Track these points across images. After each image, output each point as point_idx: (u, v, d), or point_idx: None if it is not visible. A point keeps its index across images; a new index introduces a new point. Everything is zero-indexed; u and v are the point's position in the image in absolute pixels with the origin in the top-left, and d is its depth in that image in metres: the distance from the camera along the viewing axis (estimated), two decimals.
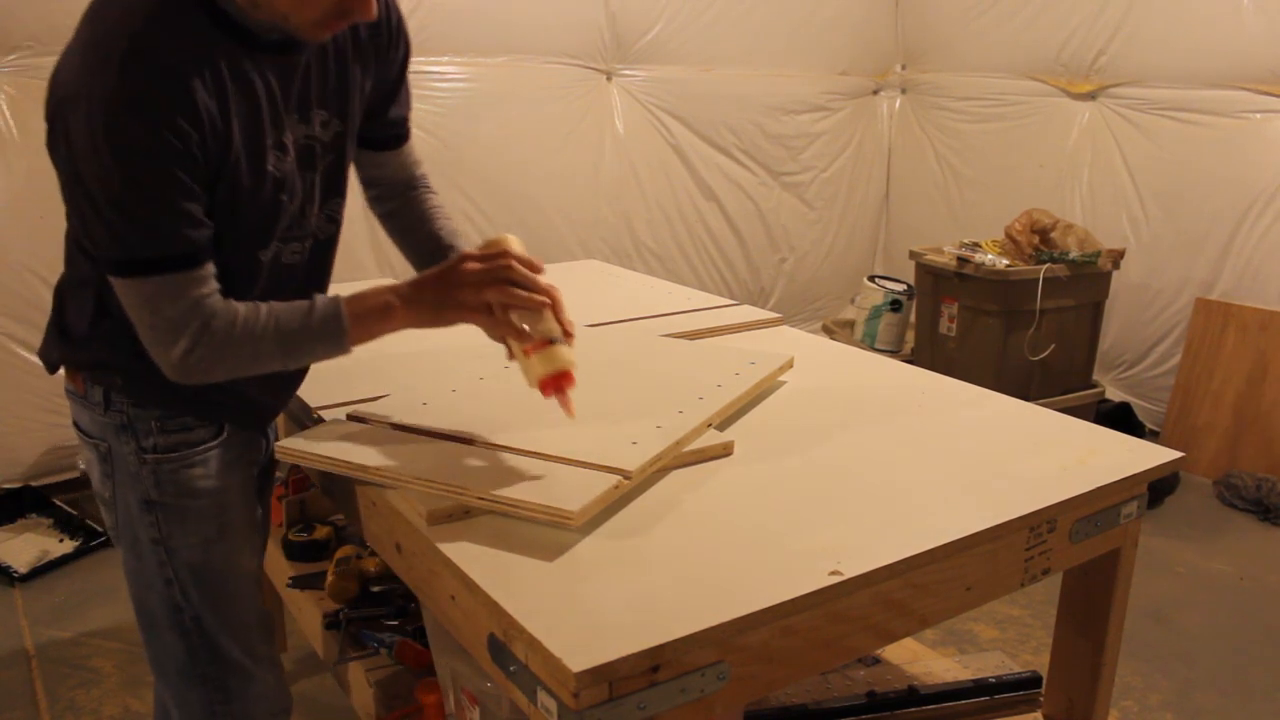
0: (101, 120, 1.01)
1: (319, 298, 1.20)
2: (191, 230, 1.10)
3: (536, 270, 1.19)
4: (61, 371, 1.32)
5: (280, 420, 1.65)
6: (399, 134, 1.44)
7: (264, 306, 1.17)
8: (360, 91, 1.30)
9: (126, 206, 1.05)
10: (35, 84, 2.89)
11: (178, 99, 1.05)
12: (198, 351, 1.12)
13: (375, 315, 1.20)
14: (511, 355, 1.25)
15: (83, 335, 1.25)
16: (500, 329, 1.20)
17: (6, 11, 2.85)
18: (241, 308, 1.16)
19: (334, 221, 1.34)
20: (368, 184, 1.47)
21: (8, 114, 2.90)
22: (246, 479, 1.37)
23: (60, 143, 1.06)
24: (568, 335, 1.21)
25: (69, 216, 1.18)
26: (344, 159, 1.31)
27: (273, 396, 1.37)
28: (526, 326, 1.19)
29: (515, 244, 1.23)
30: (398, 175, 1.47)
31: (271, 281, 1.25)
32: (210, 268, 1.14)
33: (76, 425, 1.33)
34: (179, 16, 1.06)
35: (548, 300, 1.19)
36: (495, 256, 1.19)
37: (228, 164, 1.12)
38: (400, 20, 1.34)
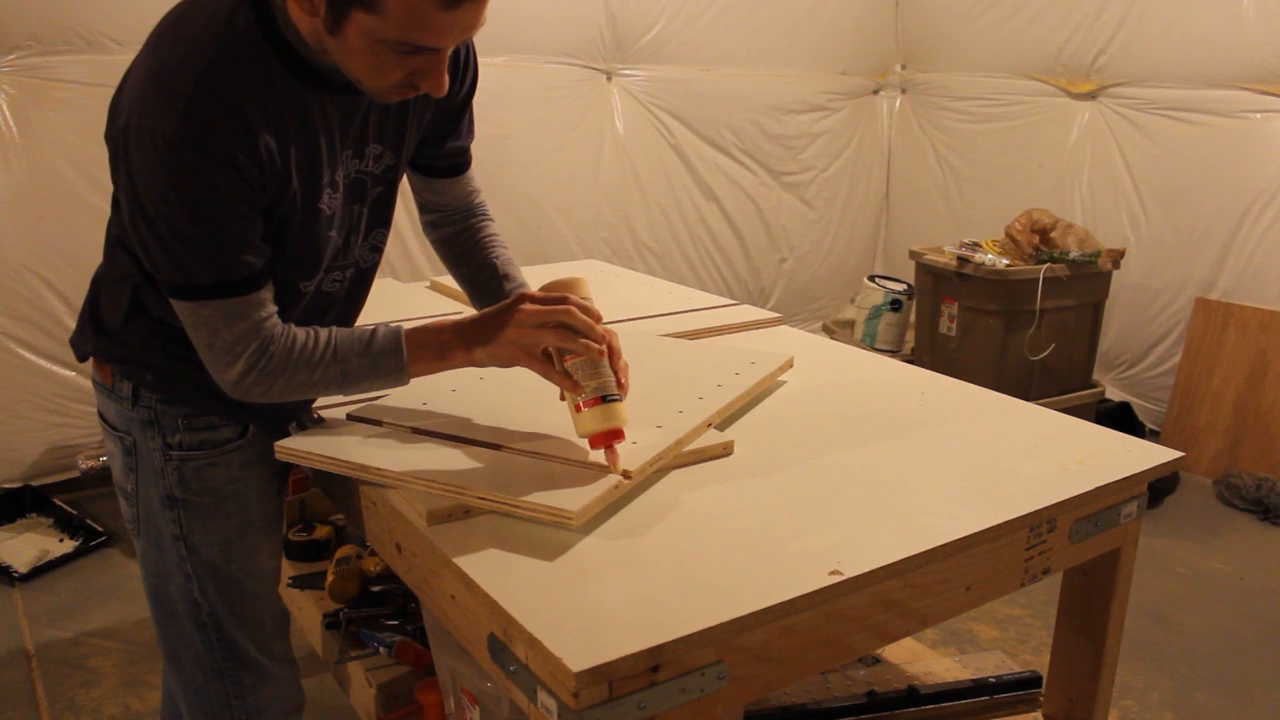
0: (165, 154, 1.02)
1: (380, 328, 1.20)
2: (250, 256, 1.11)
3: (596, 318, 1.17)
4: (71, 371, 1.33)
5: None
6: (459, 163, 1.44)
7: (324, 333, 1.18)
8: (418, 125, 1.29)
9: (187, 235, 1.06)
10: (35, 84, 2.89)
11: (240, 137, 1.05)
12: (254, 374, 1.14)
13: (434, 351, 1.20)
14: (563, 397, 1.21)
15: (116, 330, 1.26)
16: (554, 378, 1.17)
17: (6, 11, 2.85)
18: (301, 333, 1.16)
19: (377, 250, 1.34)
20: (424, 209, 1.47)
21: (8, 114, 2.90)
22: (267, 479, 1.37)
23: (121, 167, 1.07)
24: (621, 388, 1.18)
25: (117, 223, 1.18)
26: (393, 190, 1.31)
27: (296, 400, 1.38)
28: (579, 374, 1.16)
29: (583, 286, 1.21)
30: (455, 203, 1.46)
31: (312, 308, 1.27)
32: (269, 291, 1.14)
33: (102, 416, 1.34)
34: (246, 54, 1.05)
35: (604, 350, 1.16)
36: (555, 300, 1.17)
37: (283, 200, 1.13)
38: (470, 51, 1.32)
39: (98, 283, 1.29)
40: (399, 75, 1.06)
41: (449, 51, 1.08)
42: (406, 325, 1.23)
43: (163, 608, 1.35)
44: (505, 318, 1.17)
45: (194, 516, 1.30)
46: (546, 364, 1.17)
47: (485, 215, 1.49)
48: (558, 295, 1.18)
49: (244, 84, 1.05)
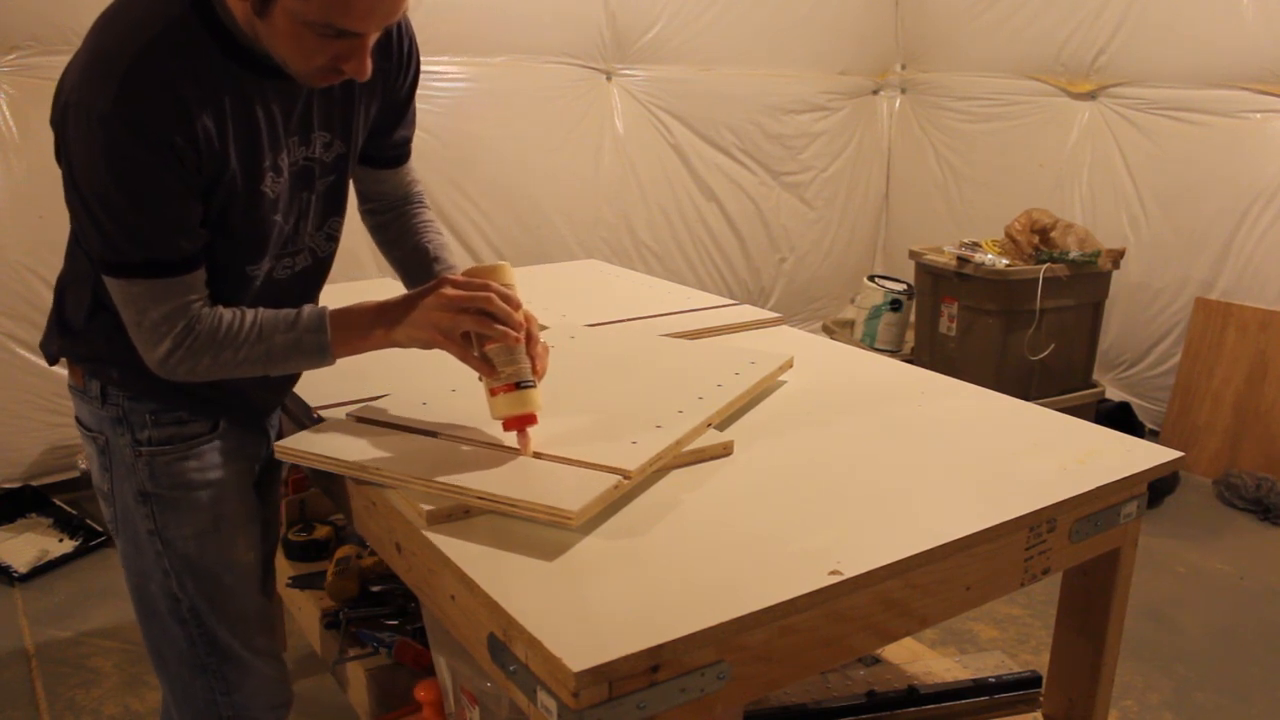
0: (99, 133, 1.04)
1: (306, 309, 1.22)
2: (181, 239, 1.13)
3: (515, 306, 1.20)
4: (63, 370, 1.34)
5: (281, 419, 1.66)
6: (401, 154, 1.46)
7: (250, 314, 1.20)
8: (365, 114, 1.31)
9: (119, 214, 1.09)
10: (35, 84, 2.89)
11: (175, 118, 1.07)
12: (179, 353, 1.16)
13: (357, 332, 1.23)
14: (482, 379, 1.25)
15: (80, 328, 1.27)
16: (470, 362, 1.21)
17: (6, 11, 2.85)
18: (227, 314, 1.19)
19: (333, 239, 1.36)
20: (364, 197, 1.49)
21: (8, 114, 2.90)
22: (243, 473, 1.38)
23: (61, 148, 1.10)
24: (537, 374, 1.22)
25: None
26: (345, 179, 1.33)
27: (268, 394, 1.39)
28: (496, 359, 1.19)
29: (505, 273, 1.24)
30: (395, 192, 1.48)
31: (265, 295, 1.28)
32: (200, 275, 1.17)
33: (78, 420, 1.35)
34: (184, 38, 1.08)
35: (521, 337, 1.20)
36: (475, 286, 1.20)
37: (222, 182, 1.14)
38: (412, 45, 1.34)
39: (61, 284, 1.30)
40: (323, 59, 1.09)
41: (372, 37, 1.10)
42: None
43: (145, 606, 1.36)
44: (426, 300, 1.20)
45: (167, 510, 1.30)
46: (464, 347, 1.20)
47: (421, 203, 1.51)
48: (478, 281, 1.20)
49: (180, 67, 1.07)
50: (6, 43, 2.88)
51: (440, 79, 3.49)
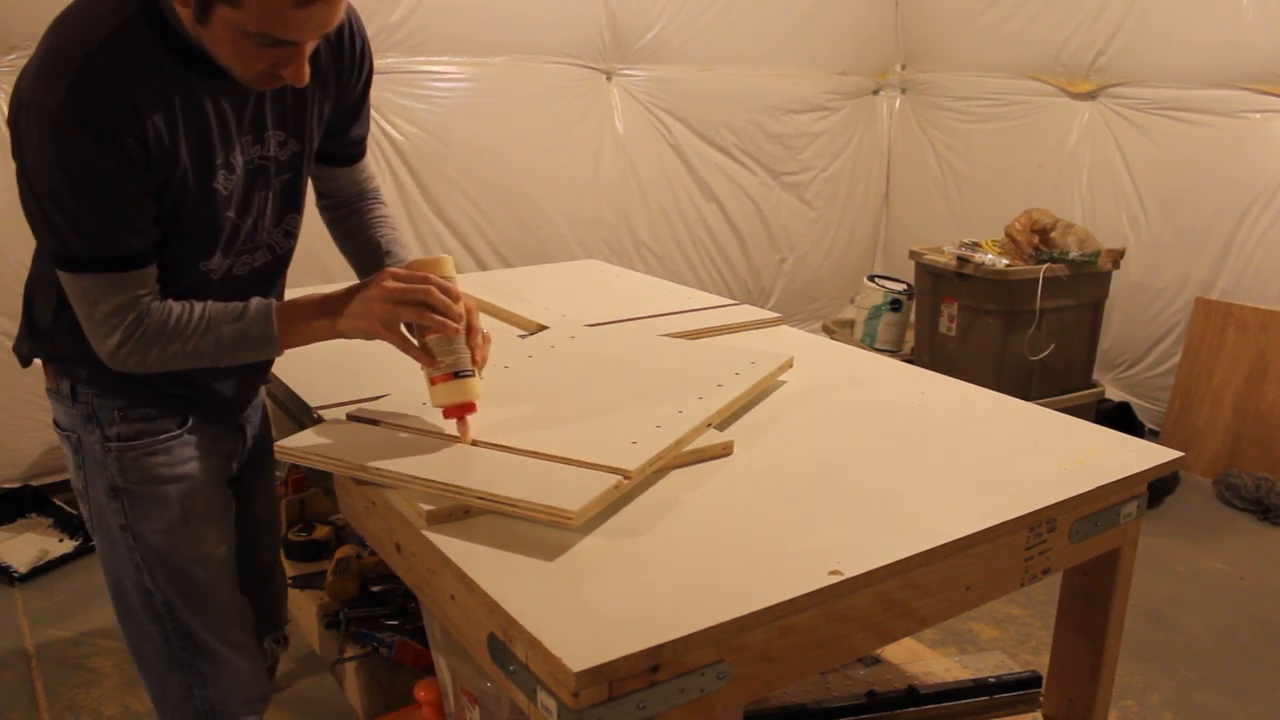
0: (49, 131, 1.07)
1: (254, 301, 1.26)
2: (131, 236, 1.16)
3: (455, 298, 1.24)
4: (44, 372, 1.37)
5: (278, 419, 1.66)
6: (355, 152, 1.49)
7: (199, 307, 1.23)
8: (319, 113, 1.34)
9: (69, 210, 1.12)
10: None
11: (124, 116, 1.10)
12: (129, 345, 1.20)
13: (302, 322, 1.26)
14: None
15: (48, 328, 1.30)
16: (410, 352, 1.25)
17: (6, 11, 2.85)
18: (177, 307, 1.22)
19: (291, 235, 1.40)
20: (321, 194, 1.53)
21: (7, 114, 2.90)
22: (214, 469, 1.40)
23: (16, 147, 1.13)
24: (477, 365, 1.26)
25: None
26: (301, 177, 1.36)
27: (238, 390, 1.41)
28: (436, 350, 1.23)
29: (446, 266, 1.28)
30: (351, 188, 1.51)
31: (225, 290, 1.30)
32: (150, 271, 1.20)
33: (55, 422, 1.38)
34: (134, 40, 1.11)
35: (460, 328, 1.24)
36: (416, 279, 1.23)
37: (174, 180, 1.17)
38: (364, 46, 1.37)
39: (30, 286, 1.33)
40: (262, 65, 1.13)
41: (309, 45, 1.14)
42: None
43: (122, 603, 1.39)
44: (368, 292, 1.24)
45: (137, 505, 1.33)
46: (404, 338, 1.25)
47: (377, 199, 1.54)
48: (419, 275, 1.24)
49: (130, 67, 1.10)
50: (6, 43, 2.88)
51: (440, 79, 3.49)
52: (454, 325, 1.23)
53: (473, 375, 1.25)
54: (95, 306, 1.18)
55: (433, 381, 1.25)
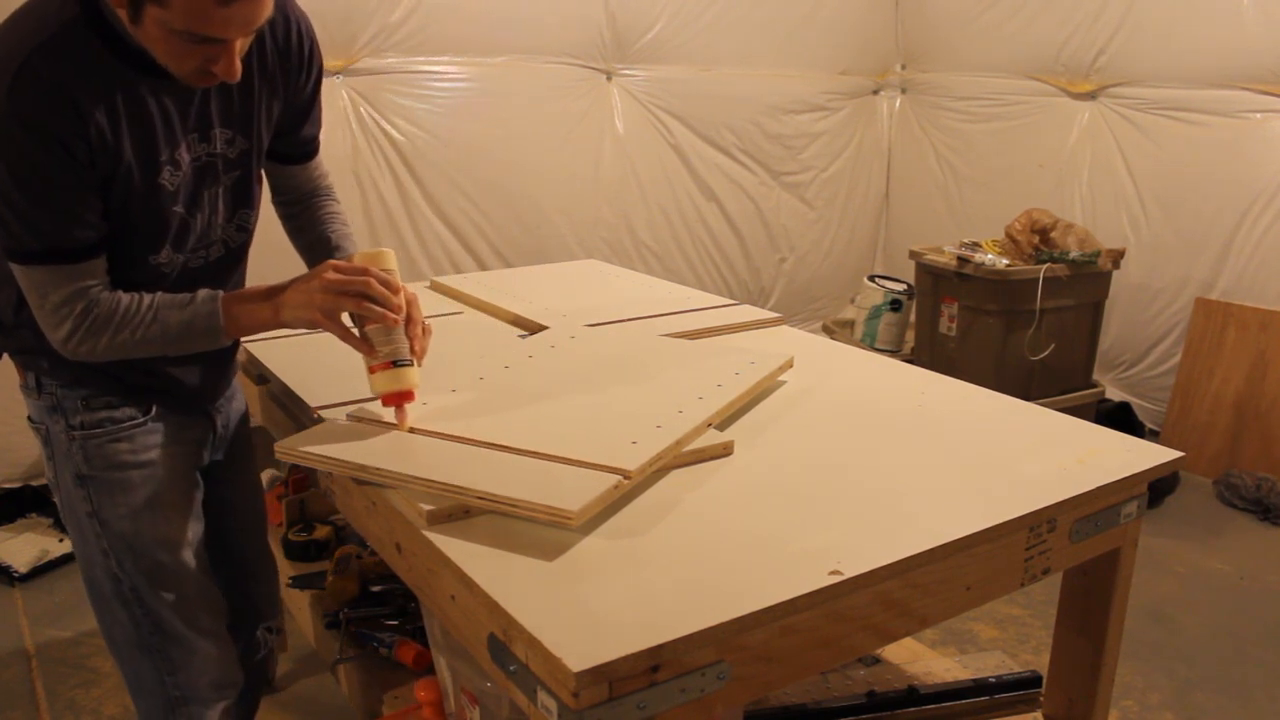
0: None
1: (201, 292, 1.29)
2: (77, 229, 1.20)
3: (394, 290, 1.28)
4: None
5: (279, 419, 1.66)
6: (308, 151, 1.52)
7: (148, 297, 1.27)
8: (266, 112, 1.37)
9: (16, 206, 1.15)
10: None
11: (66, 117, 1.13)
12: (79, 334, 1.23)
13: (247, 311, 1.30)
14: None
15: (10, 324, 1.34)
16: (350, 341, 1.28)
17: (7, 12, 2.84)
18: (126, 297, 1.25)
19: (244, 230, 1.43)
20: (275, 190, 1.56)
21: None
22: (181, 455, 1.43)
23: None
24: (416, 355, 1.30)
25: None
26: (251, 174, 1.39)
27: (204, 379, 1.44)
28: (375, 340, 1.27)
29: (387, 259, 1.32)
30: (304, 186, 1.55)
31: (182, 283, 1.33)
32: (99, 263, 1.23)
33: (28, 418, 1.41)
34: (76, 42, 1.14)
35: (399, 319, 1.27)
36: (356, 270, 1.27)
37: (118, 176, 1.20)
38: (313, 47, 1.40)
39: None
40: (194, 62, 1.15)
41: (239, 43, 1.17)
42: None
43: (94, 590, 1.43)
44: (310, 283, 1.27)
45: (101, 491, 1.36)
46: (344, 327, 1.29)
47: (329, 195, 1.58)
48: (359, 266, 1.28)
49: (71, 68, 1.13)
50: None
51: (440, 79, 3.49)
52: (393, 316, 1.27)
53: (411, 365, 1.29)
54: (46, 297, 1.21)
55: (371, 370, 1.29)
